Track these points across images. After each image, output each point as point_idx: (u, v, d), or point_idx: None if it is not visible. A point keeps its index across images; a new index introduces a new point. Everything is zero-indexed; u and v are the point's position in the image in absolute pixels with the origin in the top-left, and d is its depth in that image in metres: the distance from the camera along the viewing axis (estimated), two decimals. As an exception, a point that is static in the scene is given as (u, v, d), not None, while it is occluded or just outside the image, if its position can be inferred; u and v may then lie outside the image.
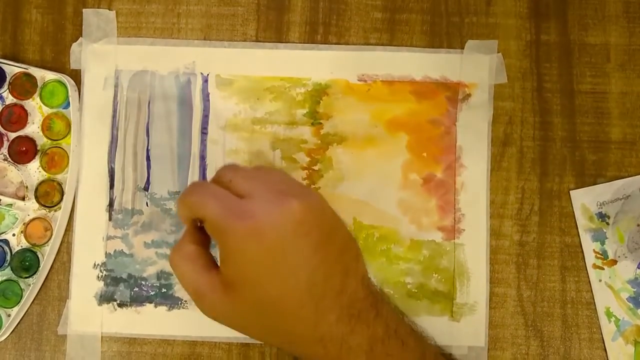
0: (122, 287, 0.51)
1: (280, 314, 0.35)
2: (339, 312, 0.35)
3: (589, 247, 0.51)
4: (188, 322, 0.51)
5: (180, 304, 0.51)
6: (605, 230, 0.51)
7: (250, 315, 0.36)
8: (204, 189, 0.37)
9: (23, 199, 0.51)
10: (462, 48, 0.53)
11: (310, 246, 0.35)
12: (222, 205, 0.35)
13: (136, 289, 0.51)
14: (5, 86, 0.52)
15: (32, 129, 0.52)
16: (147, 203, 0.52)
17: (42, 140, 0.52)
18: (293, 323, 0.36)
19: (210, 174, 0.52)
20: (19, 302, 0.50)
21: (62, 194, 0.51)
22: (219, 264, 0.37)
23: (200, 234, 0.39)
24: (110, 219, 0.52)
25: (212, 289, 0.36)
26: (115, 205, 0.52)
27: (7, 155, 0.52)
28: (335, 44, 0.53)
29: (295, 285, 0.35)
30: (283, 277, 0.35)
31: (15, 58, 0.53)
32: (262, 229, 0.34)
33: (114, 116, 0.52)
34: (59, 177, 0.52)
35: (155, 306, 0.51)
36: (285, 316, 0.35)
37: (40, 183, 0.51)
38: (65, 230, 0.52)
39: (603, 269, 0.51)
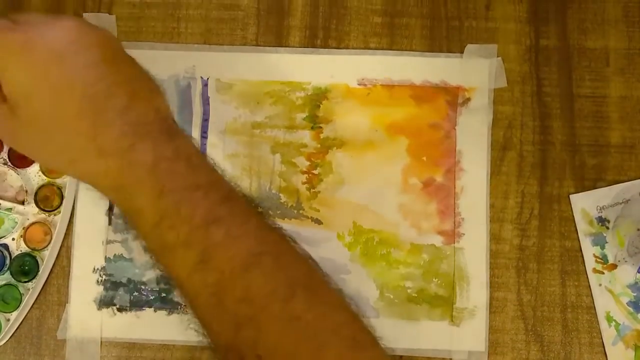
0: (121, 291, 0.51)
1: (59, 129, 0.35)
2: (122, 128, 0.35)
3: (589, 251, 0.51)
4: (187, 327, 0.51)
5: (180, 308, 0.51)
6: (605, 235, 0.51)
7: (34, 134, 0.36)
8: None
9: (23, 203, 0.51)
10: (462, 52, 0.53)
11: (87, 62, 0.35)
12: None
13: (136, 293, 0.51)
14: (5, 90, 0.52)
15: (32, 133, 0.52)
16: (146, 207, 0.52)
17: (41, 145, 0.52)
18: (72, 137, 0.35)
19: (210, 178, 0.52)
20: (19, 306, 0.50)
21: (62, 198, 0.51)
22: None
23: None
24: (110, 223, 0.52)
25: (2, 115, 0.36)
26: (115, 210, 0.52)
27: (7, 159, 0.52)
28: (335, 48, 0.53)
29: (71, 96, 0.34)
30: (58, 89, 0.34)
31: (15, 62, 0.53)
32: (34, 40, 0.35)
33: (113, 120, 0.52)
34: (58, 181, 0.52)
35: (155, 310, 0.51)
36: (64, 130, 0.35)
37: (40, 187, 0.51)
38: (65, 234, 0.52)
39: (603, 273, 0.51)
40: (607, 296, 0.50)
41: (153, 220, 0.35)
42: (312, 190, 0.52)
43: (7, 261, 0.51)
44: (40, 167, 0.51)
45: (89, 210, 0.52)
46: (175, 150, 0.35)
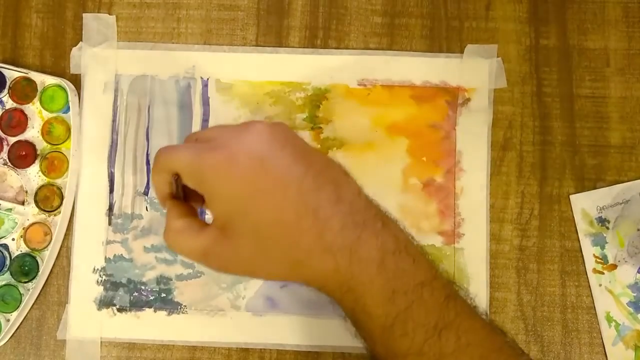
0: (121, 291, 0.51)
1: (280, 235, 0.33)
2: (342, 219, 0.33)
3: (589, 251, 0.51)
4: (187, 327, 0.51)
5: (180, 308, 0.51)
6: (605, 235, 0.51)
7: (250, 248, 0.34)
8: (172, 147, 0.37)
9: (23, 203, 0.51)
10: (462, 52, 0.53)
11: (289, 158, 0.34)
12: (191, 149, 0.35)
13: (136, 293, 0.51)
14: (5, 91, 0.52)
15: (32, 133, 0.52)
16: (146, 207, 0.52)
17: (41, 145, 0.52)
18: (295, 240, 0.33)
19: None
20: (18, 306, 0.50)
21: (62, 198, 0.51)
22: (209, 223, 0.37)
23: (183, 206, 0.38)
24: (109, 224, 0.52)
25: (211, 242, 0.35)
26: (115, 210, 0.52)
27: (7, 160, 0.52)
28: (335, 48, 0.53)
29: (285, 198, 0.33)
30: (269, 195, 0.33)
31: (15, 62, 0.53)
32: (235, 154, 0.34)
33: (113, 120, 0.52)
34: (58, 181, 0.52)
35: (155, 311, 0.51)
36: (286, 235, 0.33)
37: (40, 187, 0.51)
38: (65, 234, 0.52)
39: (603, 273, 0.51)
40: (607, 296, 0.50)
41: (384, 324, 0.33)
42: (312, 190, 0.52)
43: (7, 261, 0.51)
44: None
45: (89, 211, 0.52)
46: (396, 241, 0.34)
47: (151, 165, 0.52)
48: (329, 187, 0.34)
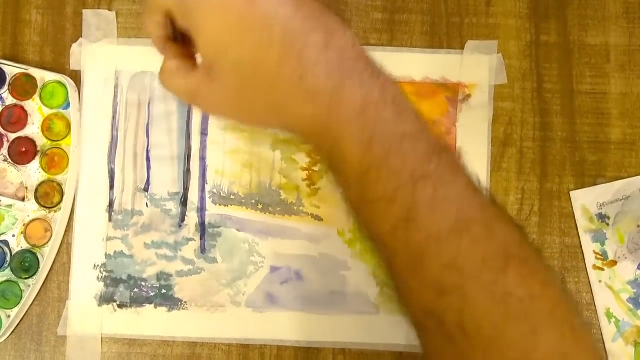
0: (122, 288, 0.51)
1: (263, 76, 0.33)
2: (327, 65, 0.32)
3: (589, 248, 0.51)
4: (188, 323, 0.51)
5: (180, 305, 0.51)
6: (605, 231, 0.51)
7: (234, 89, 0.34)
8: None
9: (23, 199, 0.51)
10: (462, 49, 0.53)
11: None
12: None
13: (136, 290, 0.51)
14: (5, 87, 0.52)
15: (32, 129, 0.52)
16: (147, 204, 0.52)
17: (42, 141, 0.52)
18: (277, 81, 0.32)
19: (210, 175, 0.52)
20: (19, 303, 0.50)
21: (62, 194, 0.51)
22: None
23: (179, 47, 0.36)
24: (110, 220, 0.52)
25: (198, 82, 0.35)
26: (115, 206, 0.52)
27: (7, 156, 0.52)
28: (335, 44, 0.53)
29: (271, 37, 0.32)
30: (256, 32, 0.32)
31: (15, 59, 0.53)
32: None
33: (114, 117, 0.52)
34: (59, 177, 0.52)
35: (155, 307, 0.51)
36: (268, 75, 0.32)
37: (40, 184, 0.51)
38: (65, 231, 0.52)
39: (603, 269, 0.51)
40: (607, 293, 0.50)
41: (359, 170, 0.32)
42: (312, 187, 0.52)
43: (8, 258, 0.51)
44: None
45: (89, 207, 0.52)
46: (382, 91, 0.33)
47: (152, 162, 0.52)
48: (319, 32, 0.33)
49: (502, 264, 0.31)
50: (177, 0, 0.34)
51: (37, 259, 0.51)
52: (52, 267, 0.51)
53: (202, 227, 0.51)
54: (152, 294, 0.51)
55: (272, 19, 0.32)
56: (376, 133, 0.32)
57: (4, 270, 0.51)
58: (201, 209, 0.52)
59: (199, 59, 0.35)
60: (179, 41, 0.36)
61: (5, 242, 0.51)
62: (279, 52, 0.32)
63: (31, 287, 0.50)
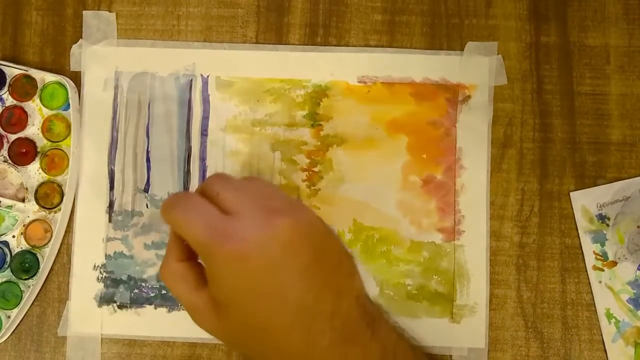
0: (122, 288, 0.51)
1: (270, 338, 0.34)
2: (331, 335, 0.34)
3: (589, 248, 0.51)
4: (188, 324, 0.50)
5: (180, 305, 0.51)
6: (605, 232, 0.51)
7: (240, 336, 0.35)
8: (187, 204, 0.36)
9: (23, 200, 0.51)
10: (462, 50, 0.53)
11: (299, 268, 0.34)
12: (207, 226, 0.34)
13: (136, 290, 0.51)
14: (5, 88, 0.52)
15: (32, 130, 0.52)
16: (147, 204, 0.52)
17: (42, 142, 0.52)
18: (283, 347, 0.34)
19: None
20: (19, 303, 0.50)
21: (62, 195, 0.51)
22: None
23: (187, 247, 0.37)
24: (110, 221, 0.52)
25: (203, 306, 0.36)
26: (115, 207, 0.52)
27: (7, 157, 0.52)
28: (335, 45, 0.53)
29: (284, 308, 0.33)
30: (270, 300, 0.34)
31: (15, 60, 0.53)
32: (248, 251, 0.33)
33: (114, 118, 0.52)
34: (59, 178, 0.52)
35: (155, 308, 0.51)
36: (275, 340, 0.34)
37: (40, 185, 0.51)
38: (65, 231, 0.52)
39: (603, 270, 0.51)
40: (607, 293, 0.50)
41: None
42: (312, 187, 0.52)
43: (8, 258, 0.51)
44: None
45: (89, 208, 0.52)
46: (383, 351, 0.35)
47: (152, 162, 0.52)
48: (328, 300, 0.34)
49: None
50: (201, 242, 0.34)
51: (37, 259, 0.51)
52: (52, 267, 0.51)
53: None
54: (152, 295, 0.51)
55: (288, 292, 0.34)
56: None
57: (3, 271, 0.51)
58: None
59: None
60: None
61: (5, 243, 0.51)
62: (289, 322, 0.34)
63: (31, 288, 0.51)
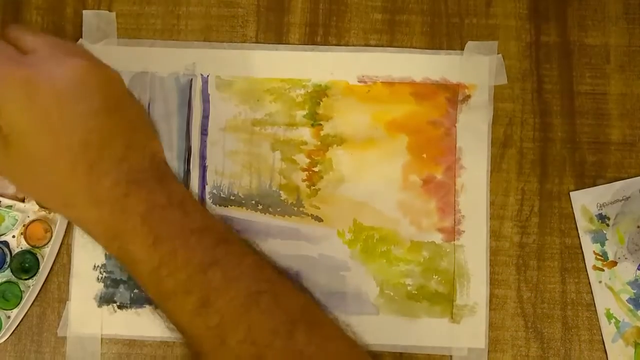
0: (122, 288, 0.51)
1: (54, 172, 0.35)
2: (116, 177, 0.35)
3: (589, 248, 0.51)
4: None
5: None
6: (605, 232, 0.51)
7: (26, 170, 0.36)
8: None
9: (23, 200, 0.51)
10: (462, 49, 0.53)
11: (87, 110, 0.34)
12: (1, 56, 0.35)
13: (136, 290, 0.51)
14: (5, 88, 0.52)
15: (32, 130, 0.52)
16: (147, 204, 0.52)
17: (41, 142, 0.52)
18: (66, 183, 0.35)
19: (210, 175, 0.52)
20: (19, 303, 0.50)
21: (62, 195, 0.51)
22: None
23: None
24: (110, 221, 0.52)
25: None
26: (115, 207, 0.52)
27: (7, 157, 0.51)
28: (335, 45, 0.53)
29: (69, 143, 0.34)
30: (56, 133, 0.34)
31: (15, 59, 0.53)
32: (37, 79, 0.34)
33: (113, 118, 0.52)
34: (58, 178, 0.52)
35: (155, 308, 0.51)
36: (58, 174, 0.35)
37: (40, 184, 0.51)
38: (65, 231, 0.52)
39: (603, 270, 0.51)
40: (607, 293, 0.50)
41: (149, 267, 0.35)
42: (312, 187, 0.52)
43: (8, 258, 0.51)
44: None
45: (89, 208, 0.52)
46: (169, 197, 0.36)
47: (151, 162, 0.52)
48: (118, 146, 0.35)
49: (290, 328, 0.35)
50: None
51: (37, 259, 0.51)
52: (52, 267, 0.51)
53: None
54: (152, 295, 0.51)
55: (74, 127, 0.34)
56: (161, 233, 0.35)
57: (3, 271, 0.51)
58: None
59: None
60: None
61: (5, 243, 0.51)
62: (72, 157, 0.34)
63: (31, 288, 0.51)
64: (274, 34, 0.53)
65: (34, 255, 0.51)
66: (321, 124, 0.52)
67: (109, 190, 0.34)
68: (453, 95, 0.52)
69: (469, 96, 0.52)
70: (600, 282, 0.50)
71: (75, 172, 0.34)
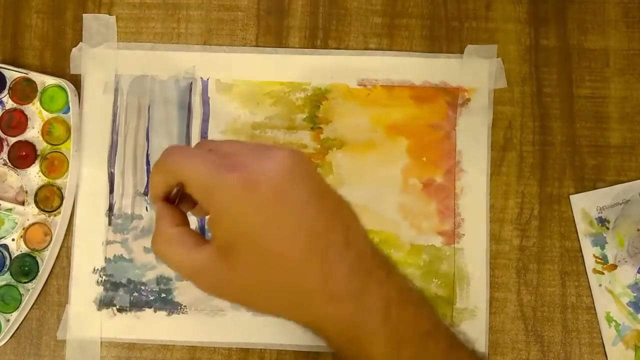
0: (121, 292, 0.51)
1: (285, 271, 0.32)
2: (349, 266, 0.32)
3: (589, 251, 0.51)
4: (187, 327, 0.51)
5: (180, 309, 0.51)
6: (605, 235, 0.51)
7: (252, 278, 0.33)
8: (185, 150, 0.34)
9: (23, 203, 0.51)
10: (462, 53, 0.53)
11: (306, 196, 0.32)
12: (208, 162, 0.32)
13: (136, 293, 0.51)
14: (6, 91, 0.52)
15: (32, 133, 0.52)
16: (146, 208, 0.52)
17: (42, 145, 0.52)
18: (300, 280, 0.32)
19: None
20: (18, 307, 0.50)
21: (62, 198, 0.51)
22: (207, 238, 0.35)
23: (177, 213, 0.35)
24: (109, 224, 0.52)
25: (208, 261, 0.33)
26: (115, 210, 0.52)
27: (7, 160, 0.52)
28: (335, 48, 0.53)
29: (297, 235, 0.32)
30: (282, 228, 0.32)
31: (15, 63, 0.53)
32: (254, 178, 0.32)
33: (113, 121, 0.52)
34: (58, 181, 0.52)
35: (155, 311, 0.51)
36: (291, 273, 0.32)
37: (40, 188, 0.51)
38: (65, 235, 0.52)
39: (603, 273, 0.51)
40: (607, 296, 0.50)
41: None
42: (312, 190, 0.52)
43: (7, 262, 0.51)
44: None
45: (89, 211, 0.52)
46: (399, 291, 0.33)
47: (151, 166, 0.52)
48: (340, 230, 0.33)
49: None
50: (203, 179, 0.32)
51: (37, 262, 0.51)
52: (51, 271, 0.51)
53: (201, 230, 0.51)
54: (152, 298, 0.51)
55: (300, 218, 0.32)
56: (402, 336, 0.32)
57: (3, 274, 0.51)
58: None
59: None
60: (175, 203, 0.35)
61: (5, 246, 0.51)
62: (305, 250, 0.32)
63: (30, 291, 0.50)
64: (274, 37, 0.53)
65: (34, 258, 0.51)
66: (321, 127, 0.52)
67: (346, 284, 0.32)
68: (453, 98, 0.52)
69: (468, 99, 0.52)
70: (600, 285, 0.50)
71: (308, 266, 0.32)
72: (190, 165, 0.33)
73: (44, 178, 0.52)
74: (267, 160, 0.32)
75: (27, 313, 0.51)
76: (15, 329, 0.51)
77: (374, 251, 0.34)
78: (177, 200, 0.36)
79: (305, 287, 0.32)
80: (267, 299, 0.34)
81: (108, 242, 0.51)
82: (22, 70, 0.52)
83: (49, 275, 0.51)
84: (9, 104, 0.52)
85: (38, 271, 0.51)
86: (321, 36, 0.53)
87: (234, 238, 0.32)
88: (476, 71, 0.52)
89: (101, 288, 0.51)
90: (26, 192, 0.52)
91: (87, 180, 0.52)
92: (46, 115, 0.52)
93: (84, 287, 0.51)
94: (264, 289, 0.33)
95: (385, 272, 0.34)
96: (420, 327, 0.33)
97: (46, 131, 0.52)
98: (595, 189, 0.52)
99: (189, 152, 0.34)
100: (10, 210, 0.51)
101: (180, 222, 0.35)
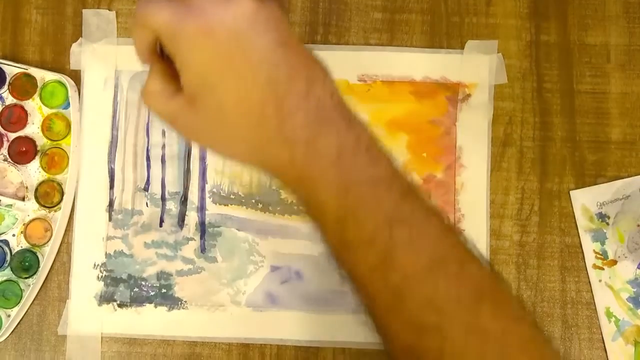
0: (122, 287, 0.51)
1: (244, 116, 0.33)
2: (306, 114, 0.33)
3: (589, 247, 0.51)
4: (188, 323, 0.51)
5: (180, 304, 0.51)
6: (605, 231, 0.51)
7: (214, 124, 0.34)
8: (152, 0, 0.35)
9: (23, 199, 0.51)
10: (462, 48, 0.53)
11: (267, 44, 0.33)
12: (171, 9, 0.33)
13: (136, 289, 0.51)
14: (5, 87, 0.52)
15: (32, 129, 0.52)
16: (147, 203, 0.52)
17: (42, 141, 0.52)
18: (256, 124, 0.33)
19: (210, 175, 0.52)
20: (19, 302, 0.50)
21: (62, 194, 0.51)
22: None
23: (164, 66, 0.36)
24: (110, 219, 0.52)
25: (178, 110, 0.35)
26: (115, 206, 0.52)
27: (7, 156, 0.52)
28: (335, 44, 0.53)
29: (255, 82, 0.33)
30: (241, 74, 0.33)
31: (15, 58, 0.53)
32: (213, 25, 0.32)
33: (114, 116, 0.52)
34: (58, 177, 0.52)
35: (155, 306, 0.51)
36: (249, 117, 0.33)
37: (40, 183, 0.51)
38: (65, 230, 0.52)
39: (603, 269, 0.51)
40: (607, 292, 0.50)
41: (336, 215, 0.33)
42: (312, 186, 0.52)
43: (8, 257, 0.51)
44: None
45: (89, 207, 0.52)
46: (357, 139, 0.34)
47: (152, 161, 0.52)
48: (301, 81, 0.33)
49: (476, 301, 0.32)
50: (166, 25, 0.33)
51: (37, 258, 0.51)
52: (52, 266, 0.51)
53: (202, 226, 0.51)
54: (152, 294, 0.51)
55: (258, 65, 0.33)
56: (351, 180, 0.33)
57: (4, 270, 0.51)
58: (201, 209, 0.52)
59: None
60: (166, 58, 0.36)
61: (5, 242, 0.51)
62: (262, 97, 0.33)
63: (31, 287, 0.51)
64: (274, 33, 0.53)
65: (34, 254, 0.51)
66: (321, 123, 0.52)
67: (301, 129, 0.33)
68: (453, 94, 0.52)
69: (469, 95, 0.52)
70: (600, 280, 0.50)
71: (266, 112, 0.33)
72: (156, 13, 0.33)
73: (44, 174, 0.52)
74: (228, 8, 0.33)
75: (28, 308, 0.51)
76: (16, 324, 0.51)
77: (339, 104, 0.35)
78: (165, 54, 0.36)
79: (261, 133, 0.33)
80: (228, 144, 0.35)
81: (108, 238, 0.52)
82: (22, 66, 0.52)
83: (49, 271, 0.51)
84: (9, 99, 0.52)
85: (38, 267, 0.51)
86: (321, 31, 0.53)
87: (196, 85, 0.34)
88: (476, 67, 0.52)
89: (102, 283, 0.51)
90: (26, 187, 0.52)
91: (87, 175, 0.52)
92: (46, 110, 0.52)
93: (84, 282, 0.51)
94: (225, 134, 0.35)
95: (346, 123, 0.34)
96: (372, 174, 0.34)
97: (46, 127, 0.52)
98: (596, 184, 0.52)
99: (158, 1, 0.34)
100: (10, 205, 0.51)
101: (164, 74, 0.36)
